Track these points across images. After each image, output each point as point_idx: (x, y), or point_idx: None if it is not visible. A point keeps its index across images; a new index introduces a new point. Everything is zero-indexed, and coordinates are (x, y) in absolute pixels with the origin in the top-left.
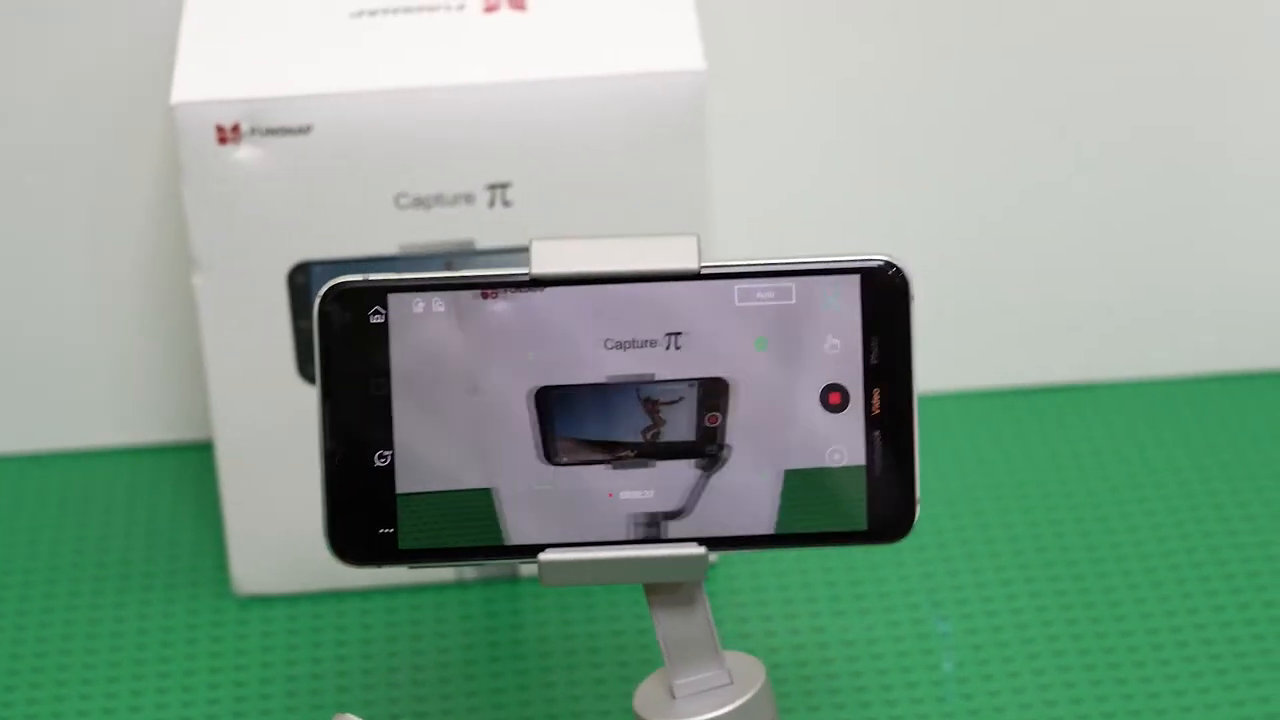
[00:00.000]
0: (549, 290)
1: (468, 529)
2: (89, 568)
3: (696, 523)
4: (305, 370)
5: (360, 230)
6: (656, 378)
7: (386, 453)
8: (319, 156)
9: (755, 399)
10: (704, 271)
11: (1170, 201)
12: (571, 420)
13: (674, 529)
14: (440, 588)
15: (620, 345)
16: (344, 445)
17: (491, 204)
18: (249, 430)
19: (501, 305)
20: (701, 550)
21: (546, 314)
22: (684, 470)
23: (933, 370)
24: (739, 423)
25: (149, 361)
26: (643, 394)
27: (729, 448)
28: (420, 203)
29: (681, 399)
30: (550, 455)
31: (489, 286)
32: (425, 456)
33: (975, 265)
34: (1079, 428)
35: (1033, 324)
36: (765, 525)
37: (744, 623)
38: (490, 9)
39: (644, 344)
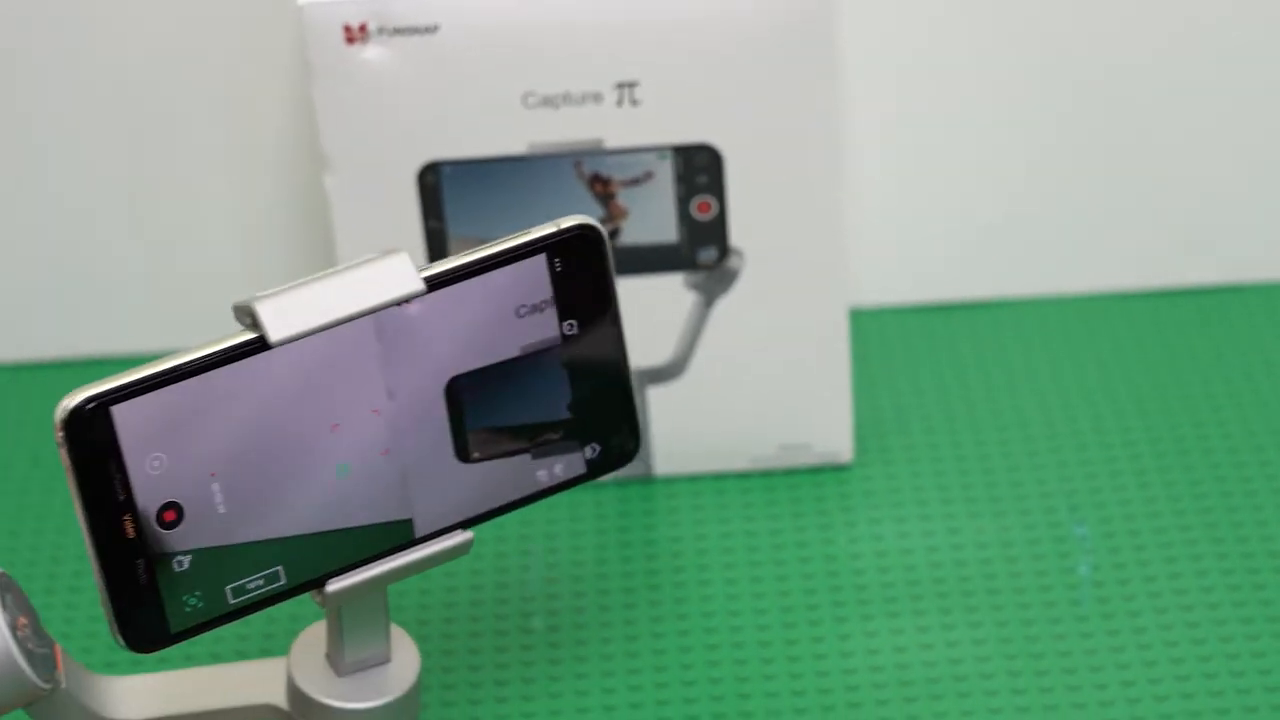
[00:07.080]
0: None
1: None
2: None
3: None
4: None
5: (489, 129)
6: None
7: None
8: (446, 56)
9: None
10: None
11: None
12: None
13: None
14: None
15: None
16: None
17: (620, 103)
18: None
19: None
20: (468, 535)
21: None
22: None
23: (1080, 271)
24: None
25: (281, 262)
26: None
27: None
28: (548, 101)
29: None
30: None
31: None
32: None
33: (1118, 170)
34: (1224, 331)
35: (1178, 226)
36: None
37: (877, 524)
38: None
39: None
